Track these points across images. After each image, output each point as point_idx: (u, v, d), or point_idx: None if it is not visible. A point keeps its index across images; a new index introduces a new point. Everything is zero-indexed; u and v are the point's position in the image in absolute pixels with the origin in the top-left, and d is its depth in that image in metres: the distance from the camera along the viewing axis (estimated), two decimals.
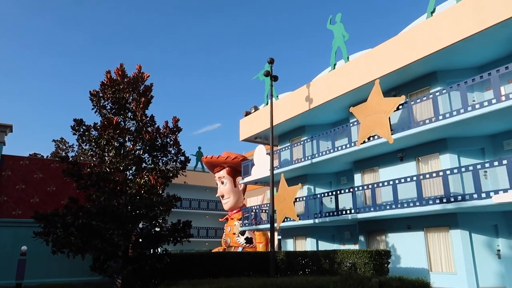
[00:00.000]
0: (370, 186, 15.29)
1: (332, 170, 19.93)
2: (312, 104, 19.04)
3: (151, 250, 11.49)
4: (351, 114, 18.62)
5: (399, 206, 13.98)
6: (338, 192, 16.64)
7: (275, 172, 20.46)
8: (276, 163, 21.38)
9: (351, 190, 16.10)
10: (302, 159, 19.09)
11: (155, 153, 12.36)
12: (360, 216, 15.39)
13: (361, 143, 15.72)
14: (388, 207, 14.43)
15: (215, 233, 38.46)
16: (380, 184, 14.91)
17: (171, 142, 12.35)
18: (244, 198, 30.54)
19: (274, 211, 17.76)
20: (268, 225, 20.51)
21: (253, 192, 37.01)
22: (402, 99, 14.48)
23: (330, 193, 17.06)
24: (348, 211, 16.01)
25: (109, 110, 12.09)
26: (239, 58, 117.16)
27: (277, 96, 22.14)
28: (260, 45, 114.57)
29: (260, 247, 27.12)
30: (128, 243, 10.38)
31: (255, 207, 22.47)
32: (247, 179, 22.82)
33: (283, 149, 20.47)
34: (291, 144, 20.72)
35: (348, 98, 17.80)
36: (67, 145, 37.93)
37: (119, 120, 11.20)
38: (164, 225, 11.65)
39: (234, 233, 28.21)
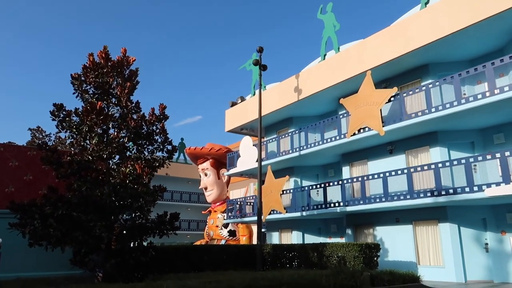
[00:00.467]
0: (360, 179, 15.10)
1: (320, 162, 19.70)
2: (301, 95, 18.71)
3: (135, 242, 10.94)
4: (340, 106, 18.41)
5: (389, 199, 13.83)
6: (327, 184, 16.41)
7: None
8: (262, 155, 21.02)
9: (340, 182, 15.88)
10: (290, 151, 18.77)
11: (141, 142, 11.76)
12: (349, 209, 15.20)
13: (351, 135, 15.49)
14: (378, 200, 14.27)
15: (197, 226, 37.94)
16: (370, 177, 14.73)
17: (158, 130, 11.77)
18: (227, 191, 30.07)
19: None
20: (253, 218, 20.20)
21: (236, 185, 36.65)
22: (394, 90, 14.28)
23: (318, 186, 16.81)
24: (336, 204, 15.80)
25: (91, 95, 11.41)
26: (222, 48, 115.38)
27: (265, 87, 21.71)
28: (247, 34, 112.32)
29: (243, 240, 26.78)
30: (111, 236, 9.82)
31: (240, 199, 22.07)
32: (232, 171, 22.38)
33: (270, 141, 20.10)
34: (278, 135, 20.37)
35: (338, 89, 17.54)
36: (43, 134, 36.51)
37: (103, 105, 10.54)
38: (149, 217, 11.11)
39: (217, 226, 27.74)
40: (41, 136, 34.61)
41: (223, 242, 26.97)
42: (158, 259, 12.59)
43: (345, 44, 18.07)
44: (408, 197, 13.27)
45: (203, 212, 31.41)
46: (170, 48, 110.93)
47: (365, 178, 14.97)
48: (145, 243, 11.22)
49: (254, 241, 28.40)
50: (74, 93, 11.57)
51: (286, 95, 19.69)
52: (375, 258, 13.33)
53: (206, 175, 29.11)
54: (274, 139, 20.23)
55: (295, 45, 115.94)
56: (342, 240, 18.13)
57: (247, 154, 21.03)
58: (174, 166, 36.43)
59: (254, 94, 22.62)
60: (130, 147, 11.93)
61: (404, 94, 14.12)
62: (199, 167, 29.89)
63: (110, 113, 11.25)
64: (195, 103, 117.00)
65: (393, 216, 15.16)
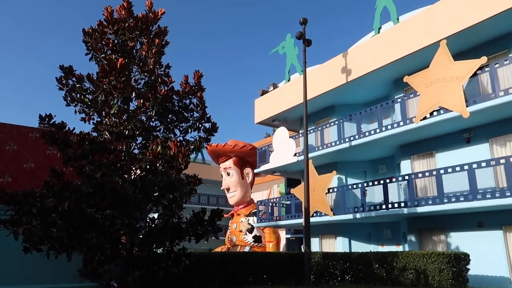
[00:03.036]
0: (435, 173, 12.24)
1: (369, 157, 16.88)
2: (348, 77, 15.96)
3: (164, 248, 8.25)
4: (394, 91, 15.67)
5: (469, 197, 10.99)
6: (388, 180, 13.57)
7: (298, 159, 17.39)
8: (299, 149, 18.29)
9: (407, 178, 13.03)
10: (334, 143, 16.01)
11: (171, 118, 9.11)
12: (420, 210, 12.33)
13: (421, 119, 12.69)
14: (457, 199, 11.42)
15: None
16: (450, 170, 11.86)
17: (196, 102, 9.12)
18: (251, 192, 27.33)
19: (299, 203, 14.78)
20: (290, 221, 17.45)
21: (257, 187, 33.78)
22: (482, 60, 11.46)
23: (376, 182, 13.96)
24: (401, 205, 12.96)
25: (109, 56, 8.80)
26: (244, 39, 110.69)
27: (302, 71, 18.98)
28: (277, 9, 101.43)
29: (270, 246, 23.96)
30: (135, 238, 7.16)
31: (274, 200, 19.31)
32: (263, 168, 19.60)
33: (311, 131, 17.32)
34: (318, 126, 17.59)
35: (393, 69, 14.80)
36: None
37: (125, 62, 7.91)
38: (182, 215, 8.43)
39: (240, 231, 24.95)
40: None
41: (247, 248, 24.18)
42: (189, 269, 9.88)
43: (405, 13, 15.35)
44: (498, 195, 10.43)
45: (225, 215, 28.62)
46: (180, 45, 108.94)
47: (441, 171, 12.12)
48: (175, 249, 8.54)
49: (281, 248, 25.61)
50: (87, 54, 8.99)
51: (329, 79, 16.98)
52: (465, 272, 10.46)
53: (228, 174, 26.42)
54: (314, 130, 17.48)
55: (341, 23, 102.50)
56: (398, 248, 15.26)
57: (283, 148, 18.27)
58: (191, 167, 33.90)
59: (288, 80, 19.94)
60: (157, 126, 9.29)
61: (497, 65, 11.29)
62: (220, 166, 27.23)
63: (133, 77, 8.63)
64: (214, 99, 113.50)
65: (474, 219, 12.25)
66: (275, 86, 20.68)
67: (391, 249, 15.26)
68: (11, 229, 6.83)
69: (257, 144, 30.01)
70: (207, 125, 9.34)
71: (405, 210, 12.63)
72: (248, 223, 24.59)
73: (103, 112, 8.46)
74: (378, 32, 15.46)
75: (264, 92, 21.10)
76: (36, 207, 7.07)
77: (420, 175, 12.75)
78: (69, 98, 9.00)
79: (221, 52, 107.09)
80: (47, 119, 8.22)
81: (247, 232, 24.67)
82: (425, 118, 12.61)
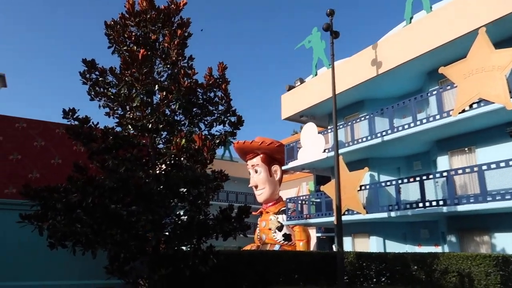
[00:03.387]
0: (476, 169, 11.40)
1: (403, 153, 16.07)
2: (379, 69, 15.23)
3: (190, 246, 7.96)
4: (428, 83, 14.85)
5: None
6: (424, 177, 12.80)
7: (327, 155, 16.79)
8: (328, 145, 17.70)
9: (445, 174, 12.24)
10: (365, 139, 15.32)
11: (195, 111, 8.82)
12: (460, 208, 11.52)
13: (459, 113, 11.87)
14: (500, 197, 10.57)
15: None
16: (493, 166, 11.01)
17: (220, 95, 8.79)
18: (279, 190, 26.85)
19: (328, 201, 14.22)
20: (321, 219, 16.90)
21: (285, 185, 33.23)
22: None
23: (412, 179, 13.21)
24: (436, 203, 12.19)
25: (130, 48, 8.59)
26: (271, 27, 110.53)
27: (329, 64, 18.35)
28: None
29: (300, 245, 23.43)
30: (160, 235, 6.89)
31: (303, 197, 18.80)
32: (291, 164, 19.11)
33: (341, 127, 16.68)
34: (348, 121, 16.92)
35: (427, 60, 13.99)
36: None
37: (147, 54, 7.66)
38: (208, 212, 8.11)
39: (269, 229, 24.57)
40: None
41: (277, 247, 23.76)
42: (217, 268, 9.57)
43: (439, 1, 14.48)
44: None
45: (253, 213, 28.27)
46: (202, 40, 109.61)
47: (483, 167, 11.27)
48: (202, 247, 8.24)
49: (312, 247, 25.04)
50: (109, 47, 8.82)
51: (358, 72, 16.28)
52: None
53: (256, 172, 26.06)
54: (344, 125, 16.84)
55: (368, 15, 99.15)
56: (437, 249, 14.41)
57: (311, 144, 17.72)
58: (218, 164, 33.83)
59: (315, 75, 19.35)
60: (182, 120, 9.02)
61: None
62: (248, 163, 26.91)
63: (156, 70, 8.39)
64: (235, 99, 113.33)
65: None
66: (302, 81, 20.15)
67: (429, 249, 14.43)
68: (36, 225, 6.71)
69: (284, 141, 29.53)
70: (232, 118, 8.99)
71: (444, 209, 11.85)
72: (277, 221, 24.17)
73: (127, 106, 8.26)
74: (410, 22, 14.64)
75: (291, 88, 20.60)
76: (61, 203, 6.92)
77: (460, 171, 11.93)
78: (92, 93, 8.87)
79: (244, 48, 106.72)
80: (70, 113, 8.10)
81: (276, 230, 24.26)
82: (463, 111, 11.79)
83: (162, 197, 6.90)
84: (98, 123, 8.43)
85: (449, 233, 13.22)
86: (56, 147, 10.65)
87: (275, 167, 25.68)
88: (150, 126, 7.88)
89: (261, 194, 25.58)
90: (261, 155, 25.86)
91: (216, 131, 9.07)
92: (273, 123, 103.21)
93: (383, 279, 11.92)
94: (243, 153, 26.96)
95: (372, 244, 15.66)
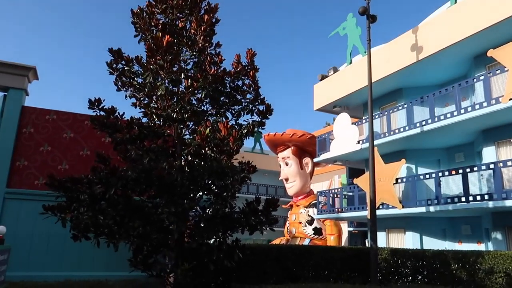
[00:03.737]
0: None
1: (442, 144, 15.09)
2: (419, 55, 14.29)
3: (216, 240, 7.66)
4: (474, 68, 13.76)
5: None
6: (468, 170, 11.89)
7: (361, 147, 16.06)
8: (362, 137, 16.93)
9: (491, 166, 11.29)
10: (403, 129, 14.47)
11: (222, 100, 8.47)
12: (509, 203, 10.58)
13: (510, 99, 10.87)
14: None
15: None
16: None
17: (248, 83, 8.38)
18: (310, 183, 26.25)
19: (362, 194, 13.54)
20: (353, 213, 16.24)
21: (317, 178, 32.53)
22: None
23: (453, 172, 12.31)
24: (481, 197, 11.28)
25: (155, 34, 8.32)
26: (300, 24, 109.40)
27: (365, 51, 17.51)
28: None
29: (331, 239, 22.83)
30: (183, 228, 6.63)
31: (335, 191, 18.18)
32: (323, 157, 18.49)
33: (376, 117, 15.87)
34: (384, 111, 16.08)
35: (473, 43, 12.94)
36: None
37: (172, 41, 7.36)
38: (234, 204, 7.77)
39: (300, 222, 24.09)
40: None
41: (307, 241, 23.29)
42: (244, 263, 9.25)
43: None
44: None
45: (283, 206, 27.86)
46: (232, 29, 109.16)
47: None
48: (228, 241, 7.93)
49: (343, 242, 24.37)
50: (135, 36, 8.61)
51: (396, 59, 15.39)
52: None
53: (287, 164, 25.59)
54: (379, 115, 16.03)
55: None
56: (479, 246, 13.47)
57: (344, 135, 17.03)
58: (249, 157, 33.56)
59: (350, 63, 18.55)
60: (208, 110, 8.70)
61: None
62: (278, 156, 26.47)
63: (182, 58, 8.08)
64: (265, 91, 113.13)
65: None
66: (335, 70, 19.39)
67: (471, 247, 13.54)
68: (59, 216, 6.61)
69: (316, 134, 28.83)
70: (261, 107, 8.57)
71: (490, 204, 10.94)
72: (308, 215, 23.67)
73: (153, 96, 8.02)
74: (455, 2, 13.58)
75: (323, 77, 19.89)
76: (84, 194, 6.79)
77: (509, 163, 10.95)
78: (119, 83, 8.72)
79: (276, 37, 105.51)
80: (96, 103, 7.96)
81: (306, 224, 23.79)
82: None
83: (185, 188, 6.62)
84: (124, 113, 8.28)
85: (494, 229, 12.27)
86: (85, 139, 10.67)
87: (306, 160, 25.10)
88: (175, 115, 7.61)
89: (292, 187, 25.11)
90: (292, 148, 25.35)
91: (244, 120, 8.69)
92: (306, 115, 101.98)
93: (420, 277, 11.21)
94: (274, 146, 26.54)
95: (407, 240, 14.87)
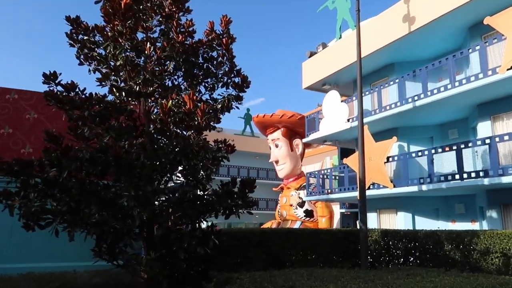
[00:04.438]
0: None
1: (435, 120, 14.44)
2: (411, 26, 13.49)
3: (188, 225, 6.97)
4: (470, 39, 13.02)
5: None
6: (462, 146, 11.26)
7: (351, 125, 15.37)
8: (352, 113, 16.22)
9: (487, 142, 10.66)
10: (394, 105, 13.78)
11: (195, 72, 7.66)
12: (506, 180, 9.99)
13: (508, 69, 10.16)
14: None
15: (266, 205, 34.19)
16: None
17: (222, 52, 7.56)
18: (301, 165, 25.65)
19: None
20: (343, 194, 15.66)
21: (308, 160, 31.94)
22: None
23: (447, 148, 11.69)
24: (476, 174, 10.69)
25: None
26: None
27: (355, 26, 16.64)
28: None
29: (323, 222, 22.42)
30: (147, 214, 5.91)
31: (325, 171, 17.57)
32: (312, 136, 17.81)
33: (367, 93, 15.14)
34: (375, 87, 15.33)
35: (469, 11, 12.19)
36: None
37: (130, 2, 6.51)
38: (208, 186, 7.04)
39: (291, 205, 23.62)
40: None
41: (298, 223, 22.85)
42: (224, 249, 8.59)
43: None
44: None
45: (274, 189, 27.31)
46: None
47: None
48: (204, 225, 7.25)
49: (335, 224, 23.96)
50: (96, 2, 7.69)
51: (388, 31, 14.59)
52: None
53: (277, 146, 24.95)
54: (370, 91, 15.29)
55: None
56: (474, 225, 12.98)
57: (334, 114, 16.31)
58: (240, 140, 32.71)
59: (340, 38, 17.69)
60: (180, 83, 7.90)
61: None
62: (268, 138, 25.80)
63: (146, 24, 7.21)
64: (257, 85, 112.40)
65: None
66: (324, 46, 18.55)
67: (464, 226, 13.04)
68: (4, 203, 5.86)
69: (307, 115, 28.11)
70: (236, 80, 7.77)
71: (486, 181, 10.35)
72: (299, 197, 23.17)
73: (112, 67, 7.18)
74: None
75: (312, 54, 19.05)
76: (36, 178, 6.03)
77: (506, 137, 10.31)
78: (81, 56, 7.85)
79: (263, 15, 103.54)
80: (52, 77, 7.10)
81: (297, 206, 23.31)
82: None
83: (147, 170, 5.89)
84: (85, 88, 7.44)
85: (490, 208, 11.73)
86: (50, 120, 9.85)
87: (297, 141, 24.47)
88: (138, 89, 6.80)
89: (282, 170, 24.54)
90: (282, 129, 24.68)
91: (219, 94, 7.90)
92: (296, 97, 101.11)
93: (412, 259, 10.69)
94: (263, 127, 25.84)
95: (399, 221, 14.36)
